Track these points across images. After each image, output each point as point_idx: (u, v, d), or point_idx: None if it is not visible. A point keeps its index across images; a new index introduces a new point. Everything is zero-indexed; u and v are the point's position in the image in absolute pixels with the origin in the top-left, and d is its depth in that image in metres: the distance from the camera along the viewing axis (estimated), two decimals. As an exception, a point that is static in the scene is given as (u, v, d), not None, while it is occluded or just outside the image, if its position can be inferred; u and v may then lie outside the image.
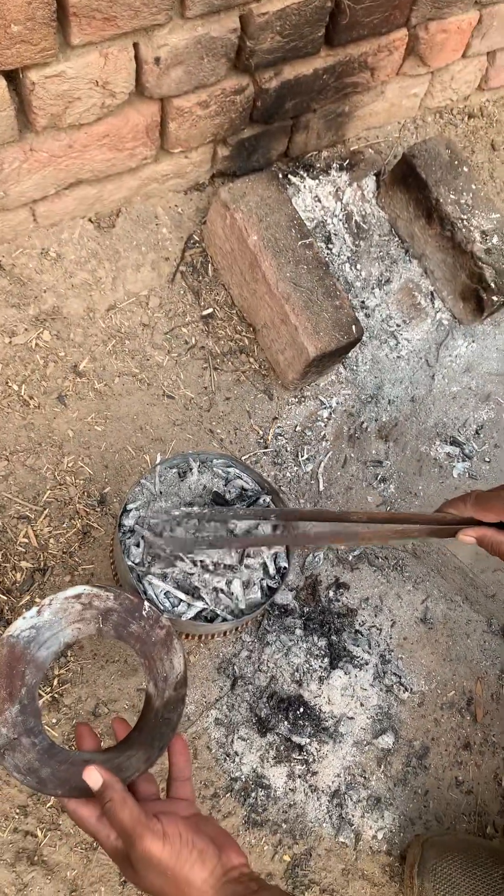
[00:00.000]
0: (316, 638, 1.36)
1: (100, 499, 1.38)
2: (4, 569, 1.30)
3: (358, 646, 1.38)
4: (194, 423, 1.48)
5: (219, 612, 1.10)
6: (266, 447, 1.51)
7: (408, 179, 1.61)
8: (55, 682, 1.25)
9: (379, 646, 1.40)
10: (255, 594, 1.13)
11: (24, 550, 1.32)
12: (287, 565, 1.17)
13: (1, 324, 1.41)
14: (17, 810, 1.18)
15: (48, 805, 1.20)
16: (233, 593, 1.11)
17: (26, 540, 1.33)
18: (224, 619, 1.10)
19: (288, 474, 1.51)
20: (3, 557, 1.30)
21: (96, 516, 1.37)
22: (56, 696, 1.25)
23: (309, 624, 1.36)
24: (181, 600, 1.10)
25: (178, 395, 1.49)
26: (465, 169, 1.61)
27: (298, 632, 1.35)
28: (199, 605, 1.09)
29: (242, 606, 1.11)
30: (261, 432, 1.52)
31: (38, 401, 1.40)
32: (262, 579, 1.14)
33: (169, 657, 1.08)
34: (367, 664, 1.37)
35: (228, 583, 1.11)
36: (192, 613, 1.09)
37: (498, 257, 1.56)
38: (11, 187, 1.32)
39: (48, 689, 1.25)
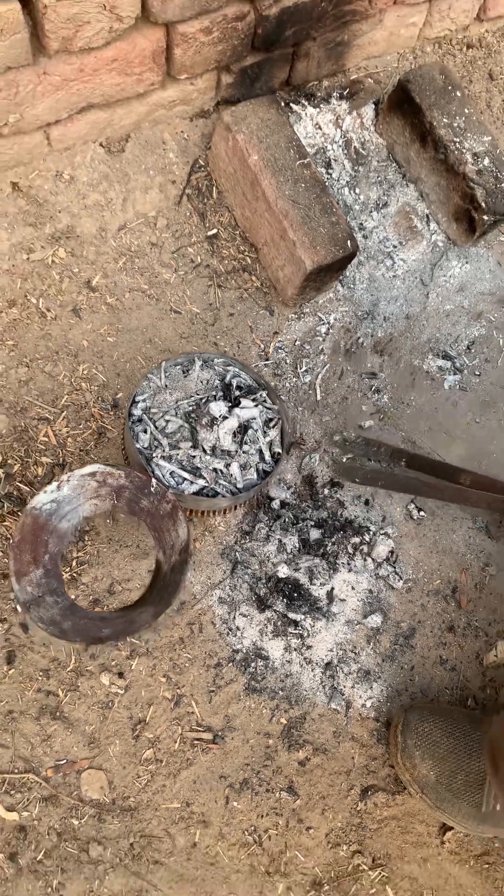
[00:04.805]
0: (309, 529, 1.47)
1: (113, 403, 1.50)
2: (27, 463, 1.42)
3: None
4: (200, 336, 1.59)
5: (218, 490, 1.22)
6: (267, 359, 1.62)
7: (403, 105, 1.69)
8: (74, 564, 1.38)
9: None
10: (252, 475, 1.25)
11: (44, 448, 1.44)
12: (281, 451, 1.28)
13: (19, 241, 1.52)
14: (41, 673, 1.32)
15: (68, 669, 1.33)
16: (231, 474, 1.23)
17: (46, 439, 1.45)
18: (223, 497, 1.22)
19: (287, 384, 1.61)
20: (26, 453, 1.43)
21: (110, 419, 1.49)
22: (75, 575, 1.38)
23: (303, 516, 1.48)
24: (185, 479, 1.21)
25: (184, 310, 1.59)
26: (459, 94, 1.68)
27: (293, 523, 1.47)
28: (201, 482, 1.21)
29: (240, 486, 1.23)
30: (262, 346, 1.62)
31: (54, 313, 1.51)
32: (258, 463, 1.26)
33: (175, 528, 1.21)
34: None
35: (227, 465, 1.23)
36: (194, 489, 1.21)
37: (488, 178, 1.64)
38: (26, 110, 1.41)
39: (68, 570, 1.38)
